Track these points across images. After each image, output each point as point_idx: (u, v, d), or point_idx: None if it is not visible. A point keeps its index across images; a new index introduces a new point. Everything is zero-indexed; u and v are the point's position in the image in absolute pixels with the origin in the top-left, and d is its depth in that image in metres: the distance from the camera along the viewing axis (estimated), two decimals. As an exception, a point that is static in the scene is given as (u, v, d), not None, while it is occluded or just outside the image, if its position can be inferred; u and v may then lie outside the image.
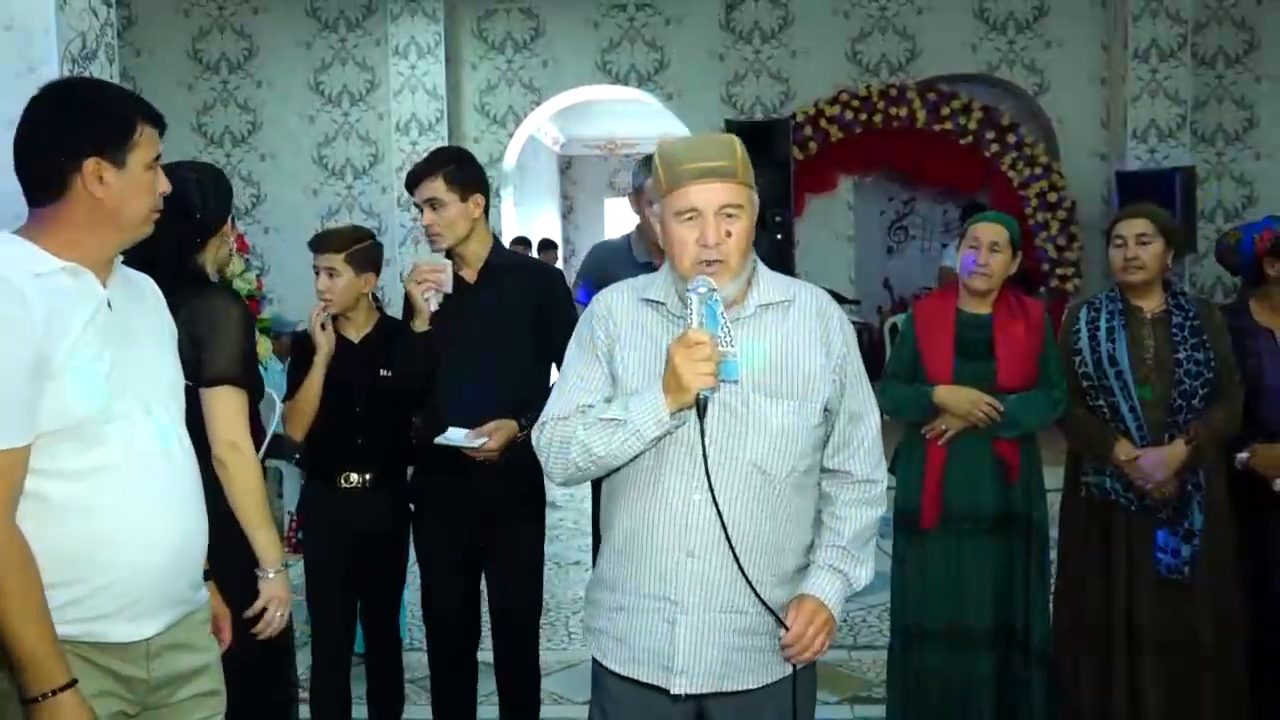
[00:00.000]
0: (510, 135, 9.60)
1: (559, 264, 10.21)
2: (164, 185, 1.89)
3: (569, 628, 4.72)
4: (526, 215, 11.58)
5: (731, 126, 8.34)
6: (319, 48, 9.65)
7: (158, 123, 1.88)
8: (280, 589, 2.33)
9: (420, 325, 2.95)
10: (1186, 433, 3.00)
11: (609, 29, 9.53)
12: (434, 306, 2.95)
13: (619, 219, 14.12)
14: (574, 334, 2.08)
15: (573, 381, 2.00)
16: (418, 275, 2.94)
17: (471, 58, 9.62)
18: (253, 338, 2.40)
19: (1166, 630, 3.05)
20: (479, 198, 2.97)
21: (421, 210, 2.97)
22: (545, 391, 2.98)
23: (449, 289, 2.95)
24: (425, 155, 3.05)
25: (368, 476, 3.05)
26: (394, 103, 9.40)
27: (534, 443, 2.02)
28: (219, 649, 2.05)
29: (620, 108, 11.46)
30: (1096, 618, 3.13)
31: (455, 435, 2.85)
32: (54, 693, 1.66)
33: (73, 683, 1.68)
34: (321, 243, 3.07)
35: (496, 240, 3.11)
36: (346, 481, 3.05)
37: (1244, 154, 9.37)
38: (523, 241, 9.39)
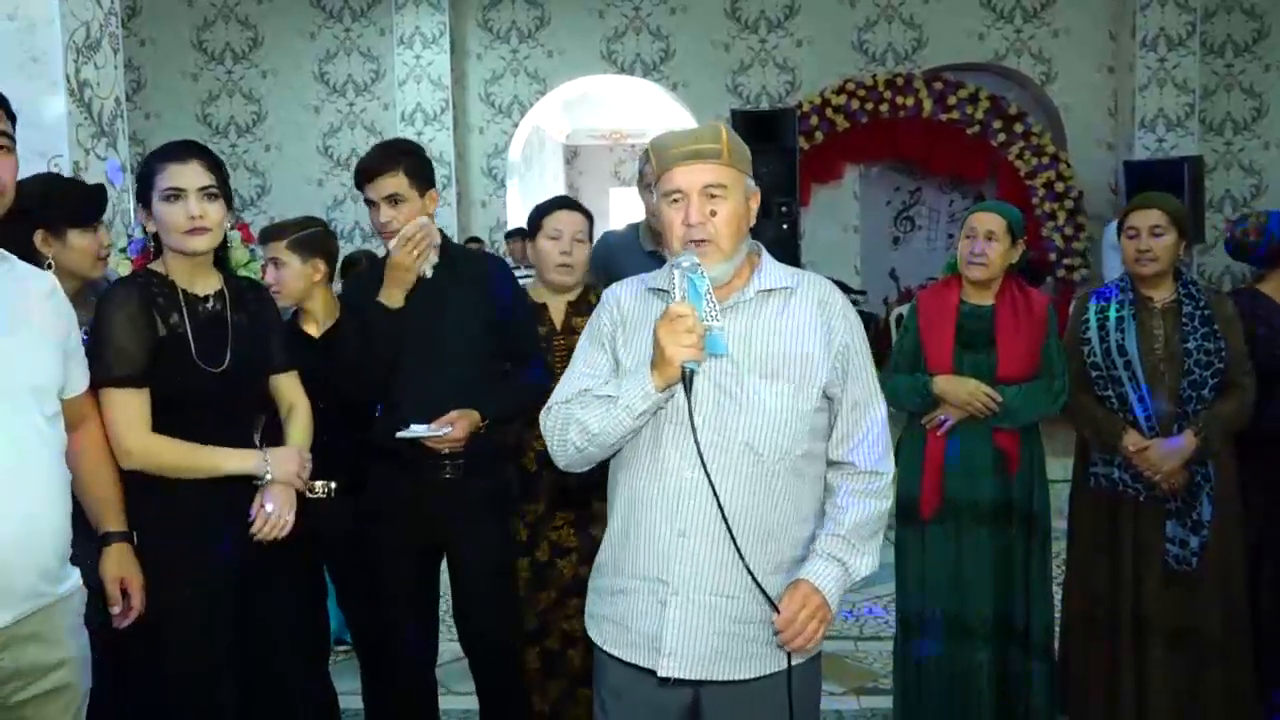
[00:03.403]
0: (515, 125, 9.52)
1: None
2: None
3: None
4: (532, 205, 11.53)
5: (737, 116, 8.31)
6: (324, 37, 9.64)
7: None
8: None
9: (396, 300, 2.74)
10: (1195, 424, 2.98)
11: (614, 18, 9.50)
12: (428, 273, 2.80)
13: (625, 209, 14.09)
14: (586, 325, 2.13)
15: (580, 368, 2.04)
16: (410, 243, 2.74)
17: (476, 47, 9.59)
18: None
19: (1174, 622, 3.04)
20: (434, 193, 2.89)
21: (374, 206, 2.83)
22: (502, 380, 2.89)
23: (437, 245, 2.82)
24: (373, 148, 2.90)
25: (333, 485, 2.86)
26: (399, 93, 9.39)
27: (541, 427, 2.05)
28: (84, 647, 2.01)
29: (626, 97, 11.42)
30: (1105, 609, 3.12)
31: (417, 428, 2.73)
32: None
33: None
34: (264, 235, 2.95)
35: (443, 233, 3.02)
36: (310, 491, 2.74)
37: (1253, 143, 9.33)
38: (521, 234, 9.33)
